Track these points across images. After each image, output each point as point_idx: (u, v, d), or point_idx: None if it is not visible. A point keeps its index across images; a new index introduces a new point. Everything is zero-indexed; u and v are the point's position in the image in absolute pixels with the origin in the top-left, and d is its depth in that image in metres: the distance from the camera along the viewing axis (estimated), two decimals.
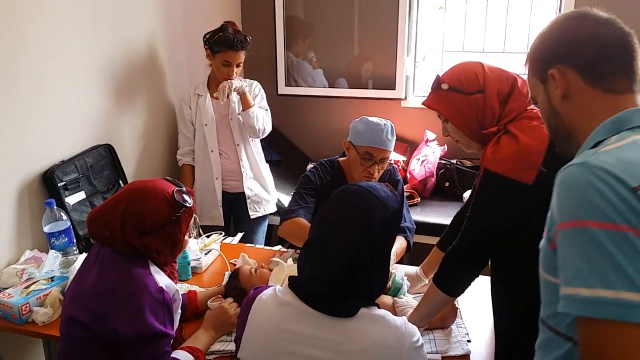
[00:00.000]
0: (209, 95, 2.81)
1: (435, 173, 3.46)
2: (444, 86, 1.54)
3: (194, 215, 1.59)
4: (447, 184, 3.46)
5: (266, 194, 3.02)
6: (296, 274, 1.85)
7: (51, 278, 1.93)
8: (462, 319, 1.80)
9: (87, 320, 1.37)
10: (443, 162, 3.50)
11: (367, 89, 3.71)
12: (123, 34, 2.64)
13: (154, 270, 1.47)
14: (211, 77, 2.84)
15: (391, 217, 1.29)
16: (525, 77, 1.20)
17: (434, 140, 3.52)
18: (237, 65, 2.70)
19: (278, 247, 2.45)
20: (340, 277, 1.20)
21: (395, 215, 1.30)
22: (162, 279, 1.46)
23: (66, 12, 2.26)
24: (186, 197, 1.52)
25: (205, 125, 2.80)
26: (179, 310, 1.55)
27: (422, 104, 1.65)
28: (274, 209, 3.07)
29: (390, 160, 2.13)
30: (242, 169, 2.88)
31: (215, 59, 2.70)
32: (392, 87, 3.63)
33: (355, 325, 1.19)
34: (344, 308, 1.20)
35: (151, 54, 2.88)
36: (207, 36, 2.70)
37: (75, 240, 2.11)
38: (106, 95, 2.57)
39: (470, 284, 1.57)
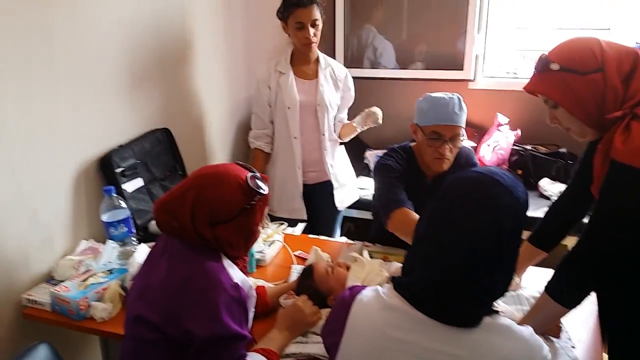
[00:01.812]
0: (292, 73, 2.58)
1: (507, 160, 3.26)
2: (554, 66, 1.35)
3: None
4: (520, 172, 3.28)
5: (351, 184, 2.88)
6: (378, 272, 1.73)
7: (109, 270, 1.84)
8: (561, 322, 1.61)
9: (158, 320, 1.25)
10: (516, 148, 3.32)
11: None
12: (179, 10, 2.52)
13: (228, 264, 1.35)
14: (294, 52, 2.61)
15: (522, 209, 1.12)
16: None
17: (506, 124, 3.32)
18: (313, 25, 2.44)
19: (344, 240, 2.31)
20: (463, 281, 1.05)
21: (525, 206, 1.13)
22: (236, 274, 1.34)
23: None
24: (261, 183, 1.38)
25: (289, 108, 2.57)
26: (253, 309, 1.42)
27: (525, 88, 1.46)
28: (355, 199, 2.92)
29: (463, 137, 1.94)
30: (325, 160, 2.68)
31: (288, 26, 2.47)
32: (458, 67, 3.43)
33: (479, 337, 1.04)
34: (466, 317, 1.04)
35: (211, 32, 2.76)
36: (280, 8, 2.50)
37: (134, 230, 2.01)
38: (162, 76, 2.46)
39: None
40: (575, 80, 1.33)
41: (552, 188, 3.06)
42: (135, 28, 2.24)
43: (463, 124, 1.91)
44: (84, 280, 1.77)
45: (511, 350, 1.03)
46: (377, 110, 2.56)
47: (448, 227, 1.08)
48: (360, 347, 1.09)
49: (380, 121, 2.56)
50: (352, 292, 1.17)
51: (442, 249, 1.07)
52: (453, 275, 1.05)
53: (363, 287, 1.19)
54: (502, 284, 1.10)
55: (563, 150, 3.24)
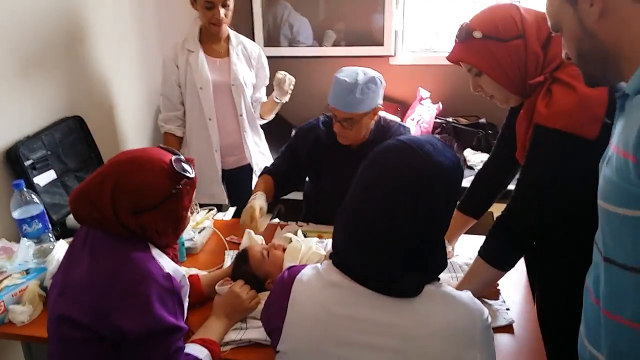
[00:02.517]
0: (202, 51, 2.46)
1: (431, 133, 3.33)
2: (477, 34, 1.37)
3: None
4: None
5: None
6: (315, 251, 1.70)
7: (26, 270, 1.72)
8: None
9: (84, 318, 1.17)
10: (438, 120, 3.39)
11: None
12: None
13: (156, 253, 1.28)
14: (203, 30, 2.49)
15: (442, 173, 1.08)
16: None
17: (427, 98, 3.38)
18: (224, 5, 2.34)
19: (276, 221, 2.27)
20: (404, 253, 1.03)
21: (451, 170, 1.10)
22: (167, 264, 1.27)
23: None
24: (186, 166, 1.32)
25: (201, 89, 2.46)
26: (187, 298, 1.35)
27: (448, 58, 1.47)
28: None
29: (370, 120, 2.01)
30: (245, 142, 2.60)
31: (197, 4, 2.35)
32: (378, 43, 3.44)
33: (421, 306, 1.03)
34: (408, 287, 1.03)
35: (118, 12, 2.61)
36: None
37: (50, 226, 1.88)
38: (67, 61, 2.31)
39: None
40: (498, 47, 1.35)
41: (475, 158, 3.15)
42: (32, 8, 2.08)
43: (361, 110, 1.92)
44: None
45: (454, 317, 1.03)
46: (282, 74, 2.49)
47: (374, 197, 1.05)
48: (305, 327, 1.06)
49: (293, 78, 2.50)
50: (290, 272, 1.14)
51: (371, 221, 1.04)
52: (388, 248, 1.03)
53: (302, 266, 1.16)
54: (442, 249, 1.10)
55: (482, 120, 3.34)
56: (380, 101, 1.96)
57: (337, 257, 1.09)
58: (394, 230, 1.02)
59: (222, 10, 2.34)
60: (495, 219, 1.46)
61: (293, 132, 2.20)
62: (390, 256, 1.03)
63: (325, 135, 2.10)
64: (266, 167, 2.21)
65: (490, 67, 1.38)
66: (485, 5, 1.45)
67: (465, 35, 1.39)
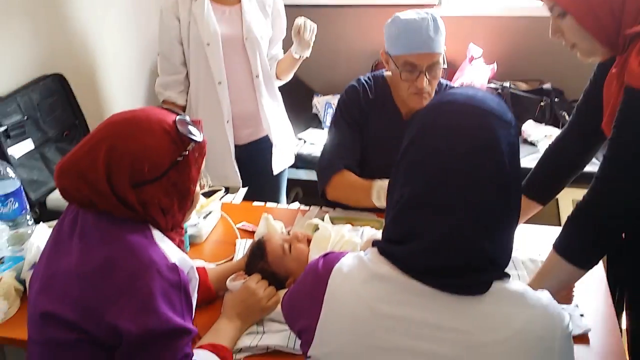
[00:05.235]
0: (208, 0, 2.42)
1: None
2: None
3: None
4: None
5: (292, 141, 2.82)
6: (348, 241, 1.69)
7: (0, 259, 1.73)
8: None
9: (73, 316, 1.17)
10: (493, 86, 3.36)
11: None
12: None
13: (159, 238, 1.27)
14: None
15: (516, 139, 1.10)
16: None
17: (479, 57, 3.36)
18: None
19: (296, 205, 2.26)
20: (471, 242, 1.02)
21: (516, 133, 1.12)
22: (172, 252, 1.26)
23: None
24: (193, 128, 1.31)
25: (208, 45, 2.41)
26: (196, 294, 1.35)
27: None
28: (291, 162, 2.85)
29: (443, 64, 1.94)
30: (262, 110, 2.57)
31: None
32: None
33: (487, 307, 1.01)
34: (473, 282, 1.01)
35: None
36: None
37: (28, 207, 1.90)
38: (51, 8, 2.31)
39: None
40: None
41: (538, 132, 3.12)
42: None
43: (441, 50, 1.89)
44: None
45: (526, 321, 1.01)
46: (301, 20, 2.43)
47: (443, 182, 1.05)
48: (345, 330, 1.05)
49: (315, 25, 2.44)
50: (327, 260, 1.12)
51: (438, 211, 1.04)
52: (459, 238, 1.02)
53: (340, 253, 1.14)
54: (509, 239, 1.09)
55: (547, 86, 3.30)
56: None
57: (397, 251, 1.07)
58: (481, 226, 1.03)
59: None
60: (575, 205, 1.43)
61: (336, 108, 2.13)
62: (473, 253, 1.03)
63: (373, 100, 2.06)
64: (334, 164, 2.02)
65: (578, 6, 1.34)
66: None
67: None
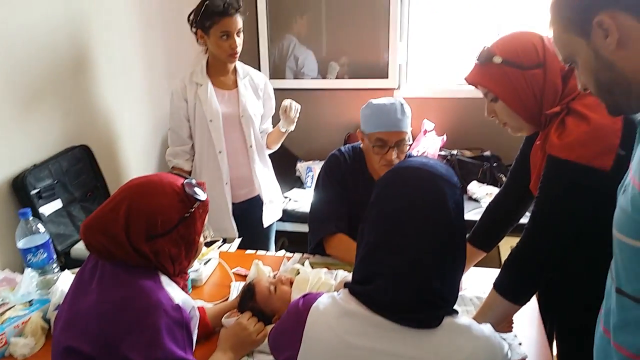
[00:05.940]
0: (210, 84, 2.46)
1: None
2: (497, 59, 1.36)
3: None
4: None
5: (280, 199, 2.80)
6: (324, 282, 1.68)
7: (29, 302, 1.68)
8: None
9: (91, 350, 1.14)
10: (443, 153, 3.39)
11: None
12: (91, 18, 2.38)
13: (166, 283, 1.26)
14: (210, 62, 2.49)
15: (460, 198, 1.12)
16: None
17: (432, 130, 3.40)
18: (238, 34, 2.34)
19: (282, 253, 2.25)
20: (422, 282, 1.03)
21: (461, 193, 1.14)
22: (176, 294, 1.25)
23: None
24: (198, 190, 1.31)
25: (211, 121, 2.43)
26: (196, 330, 1.32)
27: (466, 79, 1.46)
28: (279, 216, 2.82)
29: (409, 142, 1.95)
30: (255, 174, 2.58)
31: (210, 36, 2.34)
32: (382, 75, 3.48)
33: (441, 338, 1.01)
34: (427, 317, 1.01)
35: (127, 44, 2.63)
36: (191, 16, 2.37)
37: (55, 256, 1.86)
38: (74, 90, 2.32)
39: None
40: (517, 74, 1.34)
41: (480, 190, 3.15)
42: (39, 36, 2.10)
43: (407, 129, 1.90)
44: (1, 315, 1.60)
45: (472, 352, 1.01)
46: (287, 101, 2.49)
47: (400, 230, 1.06)
48: (321, 357, 1.04)
49: (299, 105, 2.50)
50: (306, 300, 1.12)
51: (396, 254, 1.04)
52: (413, 277, 1.02)
53: (318, 294, 1.14)
54: (456, 279, 1.09)
55: (487, 153, 3.35)
56: None
57: (362, 290, 1.07)
58: (431, 269, 1.04)
59: (238, 40, 2.35)
60: (510, 251, 1.44)
61: (321, 173, 2.12)
62: (424, 293, 1.03)
63: (350, 166, 2.05)
64: (326, 225, 2.00)
65: (507, 94, 1.37)
66: (507, 33, 1.44)
67: (485, 59, 1.38)
